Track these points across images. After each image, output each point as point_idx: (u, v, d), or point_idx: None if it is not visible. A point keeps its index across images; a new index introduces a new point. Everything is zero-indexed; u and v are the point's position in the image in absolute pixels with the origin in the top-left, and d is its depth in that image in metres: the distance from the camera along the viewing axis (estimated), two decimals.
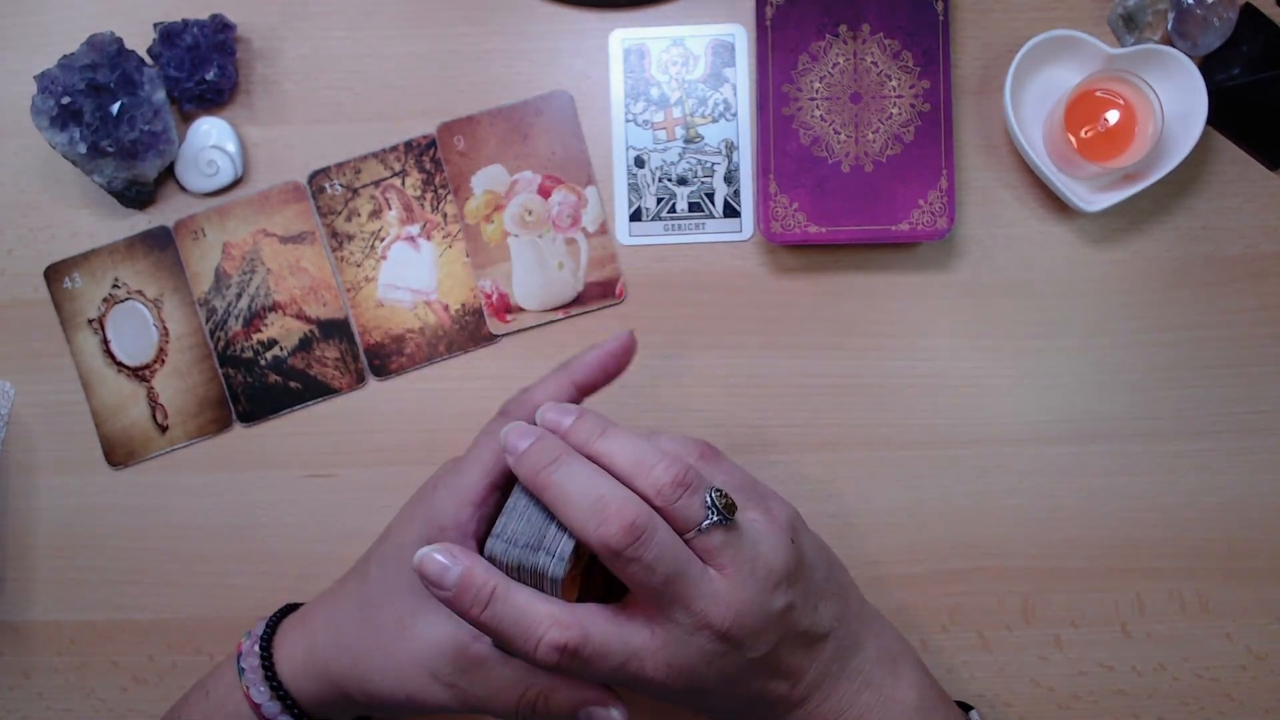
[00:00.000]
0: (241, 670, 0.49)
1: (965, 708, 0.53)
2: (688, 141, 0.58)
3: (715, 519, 0.42)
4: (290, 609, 0.53)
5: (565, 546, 0.42)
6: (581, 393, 0.49)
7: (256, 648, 0.50)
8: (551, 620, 0.41)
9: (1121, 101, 0.55)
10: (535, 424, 0.45)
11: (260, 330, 0.58)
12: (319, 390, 0.58)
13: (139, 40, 0.57)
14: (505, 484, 0.48)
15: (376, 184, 0.58)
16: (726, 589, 0.42)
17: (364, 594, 0.49)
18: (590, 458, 0.43)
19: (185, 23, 0.57)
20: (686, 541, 0.42)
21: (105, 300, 0.58)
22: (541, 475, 0.42)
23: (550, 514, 0.43)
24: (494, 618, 0.41)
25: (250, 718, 0.49)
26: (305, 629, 0.50)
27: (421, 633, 0.46)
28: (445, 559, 0.42)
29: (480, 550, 0.45)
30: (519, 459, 0.43)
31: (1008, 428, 0.58)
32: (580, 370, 0.49)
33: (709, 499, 0.43)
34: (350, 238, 0.58)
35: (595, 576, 0.46)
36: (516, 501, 0.44)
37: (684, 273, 0.58)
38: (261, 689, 0.48)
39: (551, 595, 0.43)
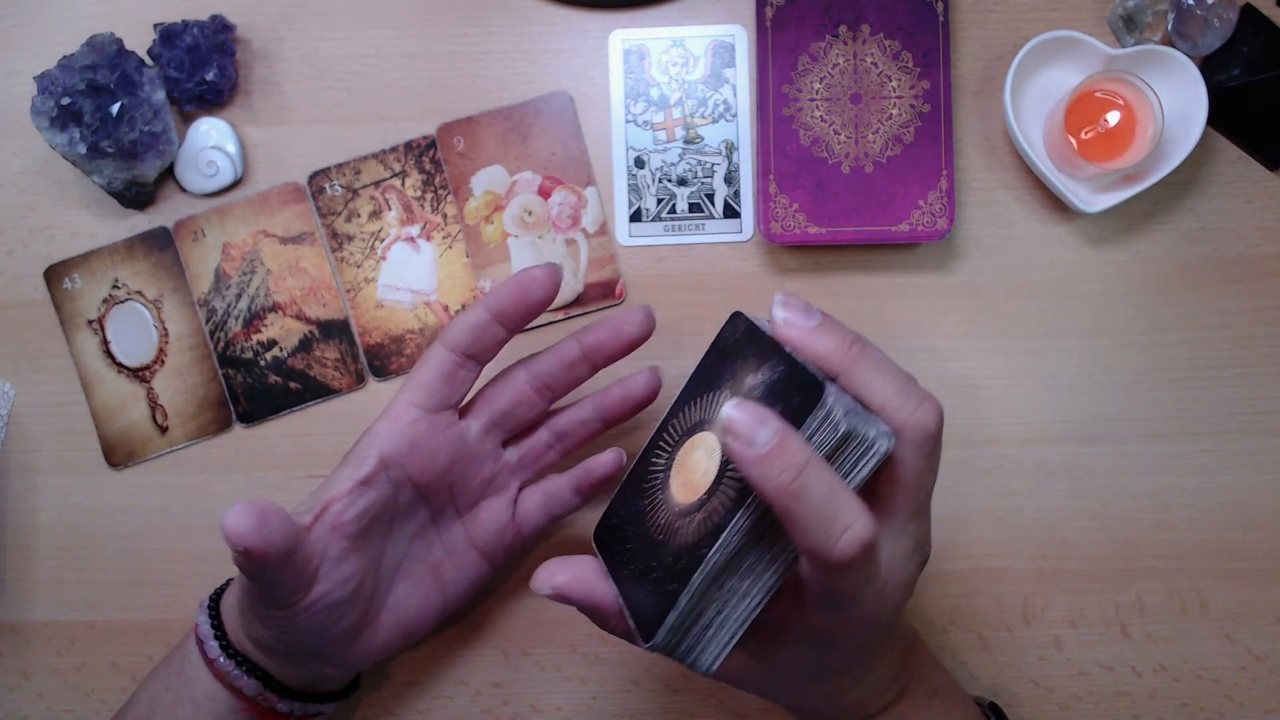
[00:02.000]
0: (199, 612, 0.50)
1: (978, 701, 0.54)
2: (688, 142, 0.58)
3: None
4: None
5: (887, 431, 0.38)
6: (593, 365, 0.50)
7: (228, 580, 0.51)
8: (859, 511, 0.35)
9: (1121, 102, 0.55)
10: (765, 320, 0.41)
11: (260, 331, 0.58)
12: (319, 391, 0.58)
13: (139, 41, 0.57)
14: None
15: (376, 185, 0.58)
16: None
17: None
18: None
19: (185, 23, 0.57)
20: None
21: (105, 301, 0.58)
22: (855, 348, 0.39)
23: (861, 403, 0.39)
24: (805, 488, 0.35)
25: (195, 648, 0.50)
26: None
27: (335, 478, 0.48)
28: (756, 414, 0.35)
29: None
30: (819, 329, 0.39)
31: (1008, 428, 0.58)
32: (591, 339, 0.49)
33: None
34: (350, 238, 0.58)
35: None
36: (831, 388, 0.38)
37: (684, 273, 0.58)
38: (204, 608, 0.50)
39: (855, 484, 0.38)
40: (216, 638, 0.49)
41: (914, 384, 0.39)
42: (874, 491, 0.40)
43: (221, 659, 0.48)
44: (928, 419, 0.38)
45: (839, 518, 0.35)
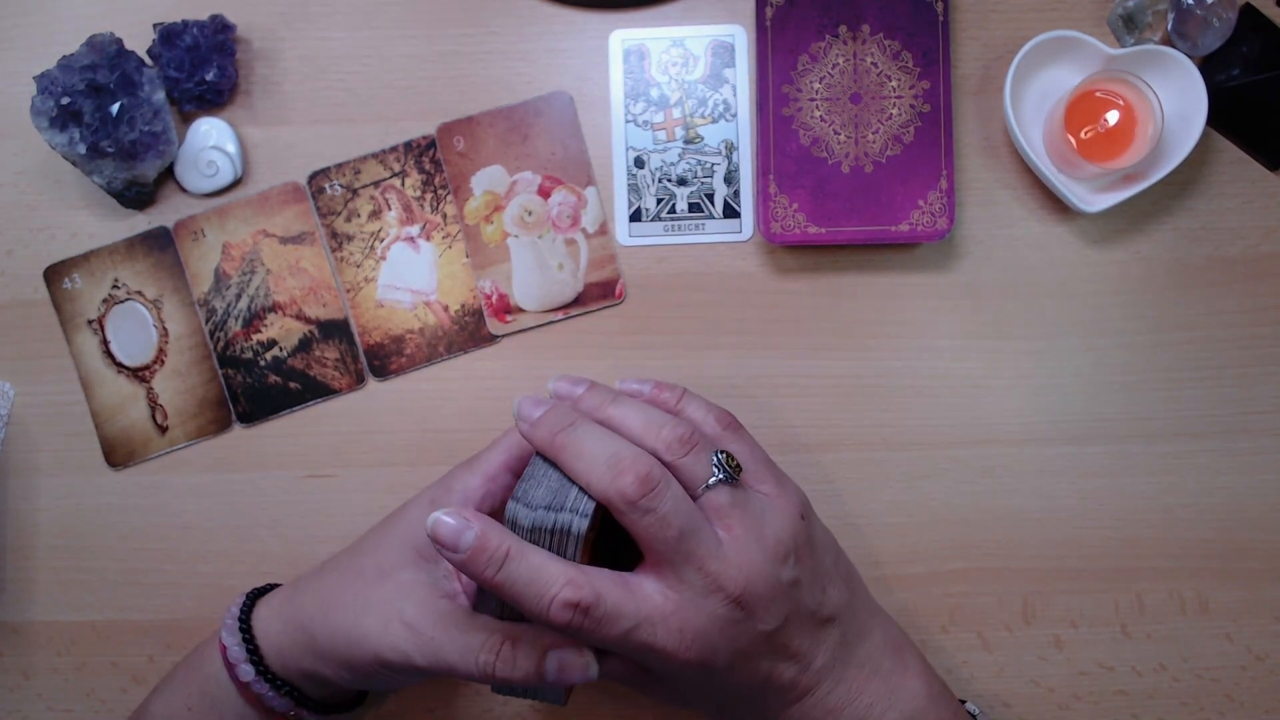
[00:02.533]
0: (225, 623, 0.50)
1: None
2: (687, 142, 0.58)
3: (721, 476, 0.44)
4: None
5: (588, 504, 0.43)
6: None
7: (243, 598, 0.51)
8: (565, 579, 0.41)
9: (1121, 102, 0.55)
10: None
11: (260, 331, 0.58)
12: (319, 391, 0.58)
13: (139, 41, 0.57)
14: (519, 469, 0.49)
15: (376, 184, 0.58)
16: (736, 551, 0.43)
17: (357, 547, 0.50)
18: (601, 422, 0.45)
19: (185, 23, 0.57)
20: (694, 499, 0.43)
21: (105, 301, 0.58)
22: (558, 437, 0.44)
23: (568, 479, 0.44)
24: (508, 578, 0.41)
25: (220, 664, 0.49)
26: (294, 581, 0.51)
27: (399, 578, 0.47)
28: (458, 521, 0.42)
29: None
30: (534, 424, 0.45)
31: (1008, 428, 0.58)
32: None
33: (716, 459, 0.44)
34: (350, 238, 0.58)
35: (604, 552, 0.46)
36: (534, 469, 0.45)
37: (684, 273, 0.58)
38: (233, 631, 0.49)
39: (571, 557, 0.43)
40: (251, 661, 0.49)
41: (619, 456, 0.42)
42: (638, 552, 0.44)
43: (257, 682, 0.48)
44: (623, 487, 0.42)
45: (544, 591, 0.41)
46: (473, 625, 0.45)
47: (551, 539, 0.43)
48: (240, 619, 0.50)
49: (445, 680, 0.57)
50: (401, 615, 0.46)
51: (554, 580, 0.41)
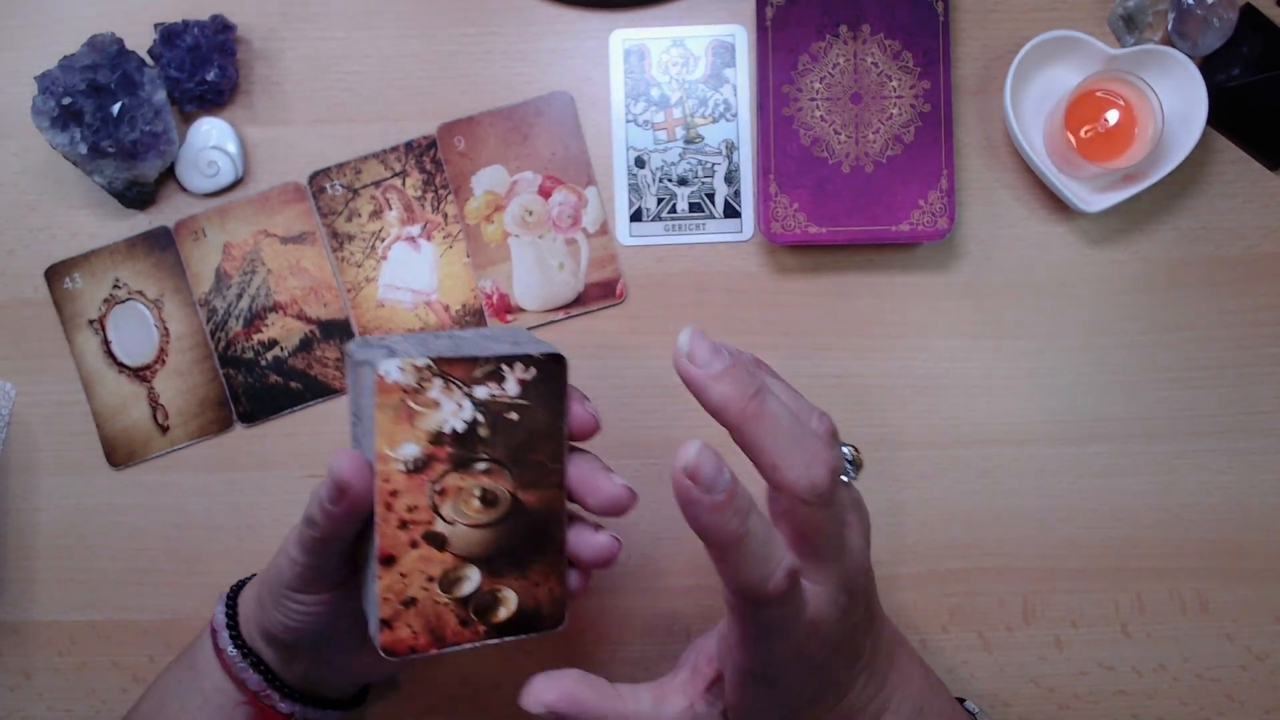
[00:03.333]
0: (214, 633, 0.50)
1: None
2: (688, 142, 0.58)
3: (854, 474, 0.43)
4: None
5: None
6: None
7: (223, 607, 0.51)
8: (785, 547, 0.38)
9: (1121, 102, 0.55)
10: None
11: (261, 330, 0.58)
12: (319, 390, 0.58)
13: (139, 41, 0.57)
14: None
15: (377, 184, 0.58)
16: (857, 547, 0.42)
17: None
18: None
19: (186, 23, 0.57)
20: None
21: (106, 301, 0.58)
22: (751, 404, 0.38)
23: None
24: (750, 532, 0.37)
25: (223, 675, 0.49)
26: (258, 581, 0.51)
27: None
28: (717, 459, 0.36)
29: None
30: (719, 377, 0.38)
31: (1008, 428, 0.58)
32: None
33: (848, 453, 0.43)
34: (351, 238, 0.58)
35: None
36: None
37: (684, 273, 0.58)
38: (219, 610, 0.50)
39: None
40: (229, 628, 0.49)
41: (808, 438, 0.38)
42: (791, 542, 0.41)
43: (230, 649, 0.48)
44: (817, 478, 0.38)
45: (774, 554, 0.37)
46: None
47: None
48: (232, 590, 0.50)
49: (455, 674, 0.57)
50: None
51: (781, 541, 0.38)
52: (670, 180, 0.58)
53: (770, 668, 0.41)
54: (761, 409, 0.38)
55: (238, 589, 0.51)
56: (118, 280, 0.58)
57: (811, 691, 0.43)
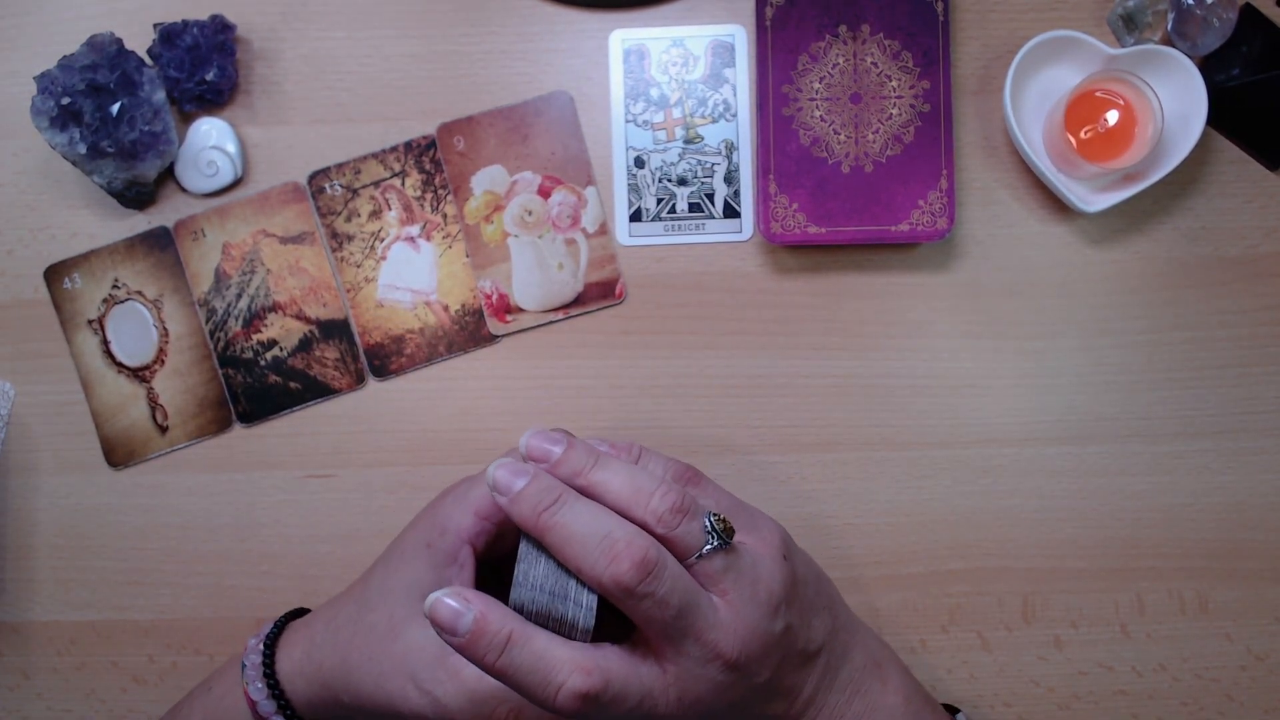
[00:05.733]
0: (244, 667, 0.49)
1: (952, 710, 0.53)
2: (688, 142, 0.58)
3: (715, 544, 0.41)
4: (301, 612, 0.53)
5: (591, 598, 0.41)
6: None
7: (260, 645, 0.50)
8: (573, 665, 0.39)
9: (1121, 102, 0.55)
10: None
11: (260, 331, 0.58)
12: (319, 390, 0.58)
13: (139, 41, 0.57)
14: None
15: (376, 184, 0.58)
16: (731, 616, 0.41)
17: (363, 596, 0.49)
18: (584, 489, 0.42)
19: (185, 23, 0.57)
20: (687, 569, 0.41)
21: (105, 301, 0.58)
22: (543, 517, 0.41)
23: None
24: (510, 664, 0.39)
25: (247, 715, 0.49)
26: (307, 629, 0.50)
27: (409, 637, 0.46)
28: (458, 604, 0.40)
29: (478, 570, 0.46)
30: (514, 500, 0.41)
31: (1008, 428, 0.58)
32: None
33: (708, 524, 0.42)
34: (350, 238, 0.58)
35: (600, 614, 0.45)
36: (531, 549, 0.42)
37: (684, 273, 0.58)
38: (259, 685, 0.49)
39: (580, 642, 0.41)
40: (282, 713, 0.48)
41: (610, 539, 0.40)
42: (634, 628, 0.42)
43: (263, 701, 0.48)
44: (619, 574, 0.39)
45: (551, 679, 0.39)
46: (482, 692, 0.44)
47: (559, 627, 0.41)
48: (265, 671, 0.49)
49: None
50: (415, 679, 0.45)
51: (561, 666, 0.39)
52: (670, 180, 0.58)
53: None
54: (552, 521, 0.40)
55: (269, 663, 0.50)
56: (117, 280, 0.58)
57: None
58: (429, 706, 0.45)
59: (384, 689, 0.46)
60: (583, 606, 0.41)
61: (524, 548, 0.42)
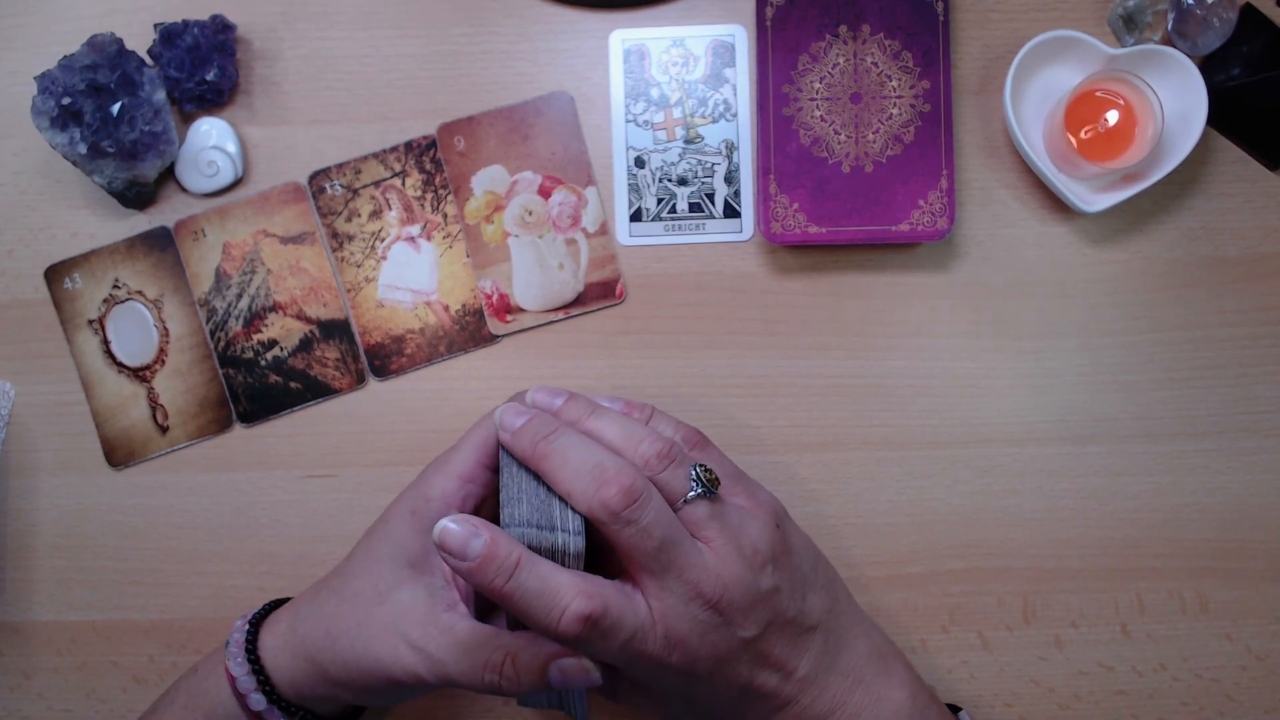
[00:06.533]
0: (227, 644, 0.50)
1: (954, 709, 0.53)
2: (688, 142, 0.58)
3: (700, 490, 0.44)
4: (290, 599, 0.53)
5: (578, 521, 0.43)
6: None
7: (245, 624, 0.50)
8: (575, 590, 0.41)
9: (1121, 102, 0.55)
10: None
11: (260, 331, 0.58)
12: (319, 390, 0.58)
13: (139, 41, 0.57)
14: (494, 466, 0.48)
15: (377, 184, 0.58)
16: (715, 561, 0.43)
17: (346, 568, 0.50)
18: (581, 433, 0.45)
19: (185, 23, 0.57)
20: (674, 512, 0.43)
21: (105, 301, 0.58)
22: (540, 445, 0.44)
23: (551, 492, 0.44)
24: (518, 588, 0.41)
25: (228, 693, 0.49)
26: (292, 607, 0.51)
27: (397, 599, 0.46)
28: (465, 529, 0.41)
29: None
30: (516, 433, 0.45)
31: (1008, 428, 0.58)
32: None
33: (693, 473, 0.44)
34: (350, 238, 0.58)
35: (588, 563, 0.46)
36: (511, 485, 0.44)
37: (684, 273, 0.58)
38: (240, 661, 0.49)
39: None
40: (262, 690, 0.48)
41: (601, 467, 0.42)
42: (617, 563, 0.44)
43: (269, 711, 0.48)
44: (607, 498, 0.42)
45: (555, 603, 0.41)
46: (476, 642, 0.45)
47: (550, 557, 0.43)
48: (247, 648, 0.49)
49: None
50: (406, 638, 0.45)
51: (565, 590, 0.41)
52: (670, 180, 0.58)
53: (654, 684, 0.45)
54: (549, 448, 0.44)
55: (251, 642, 0.50)
56: (117, 280, 0.58)
57: (726, 701, 0.45)
58: (422, 663, 0.45)
59: (372, 652, 0.46)
60: (570, 532, 0.43)
61: (505, 489, 0.44)
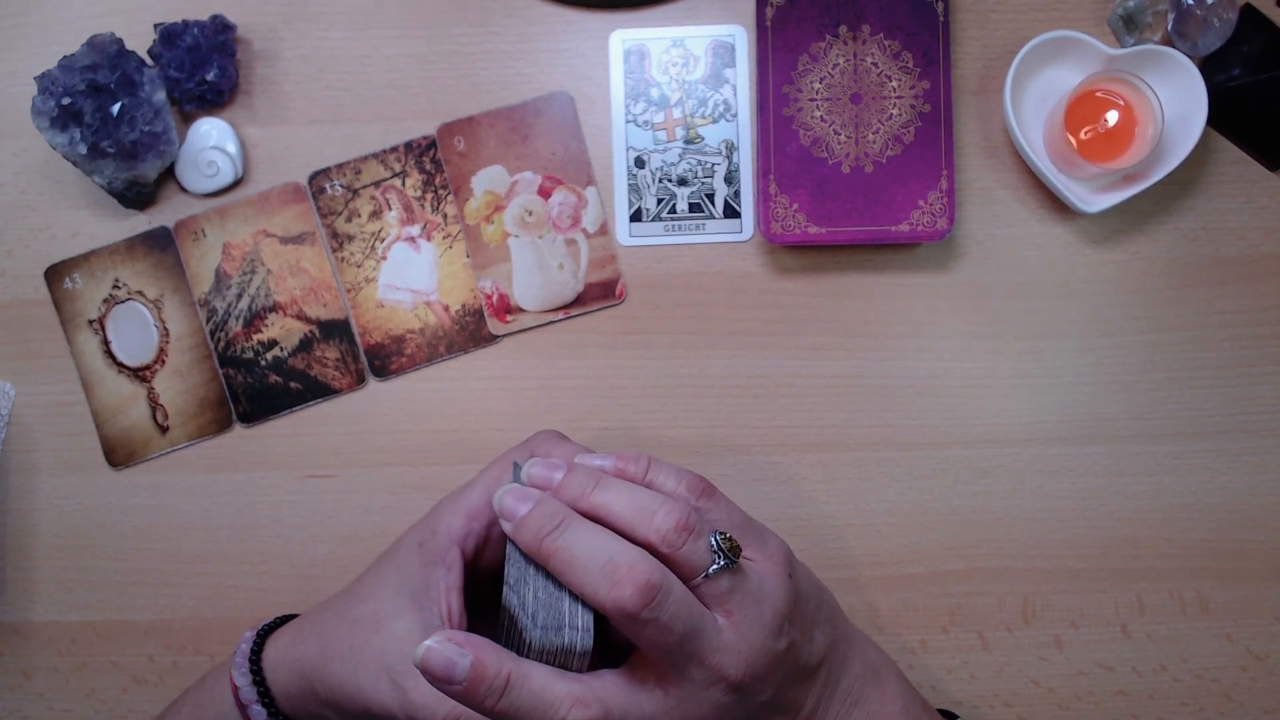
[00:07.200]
0: (235, 654, 0.50)
1: (949, 716, 0.53)
2: (688, 142, 0.58)
3: (722, 564, 0.41)
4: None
5: (588, 618, 0.41)
6: None
7: (253, 635, 0.50)
8: (572, 700, 0.39)
9: (1121, 102, 0.55)
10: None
11: (260, 331, 0.58)
12: (319, 391, 0.58)
13: (139, 41, 0.57)
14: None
15: (377, 185, 0.58)
16: (736, 638, 0.41)
17: (353, 591, 0.49)
18: (587, 512, 0.42)
19: (185, 23, 0.57)
20: (693, 589, 0.41)
21: (105, 301, 0.58)
22: (545, 543, 0.41)
23: (560, 586, 0.41)
24: (510, 707, 0.39)
25: (232, 702, 0.49)
26: (298, 623, 0.51)
27: (391, 629, 0.46)
28: (452, 651, 0.39)
29: (467, 568, 0.46)
30: (518, 526, 0.41)
31: (1008, 428, 0.58)
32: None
33: (714, 543, 0.41)
34: (350, 238, 0.58)
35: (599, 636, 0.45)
36: (514, 570, 0.42)
37: (684, 273, 0.58)
38: (243, 671, 0.49)
39: (579, 669, 0.41)
40: (262, 703, 0.48)
41: (613, 563, 0.40)
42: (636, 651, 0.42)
43: (246, 688, 0.48)
44: (622, 599, 0.39)
45: (551, 716, 0.39)
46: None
47: (555, 658, 0.41)
48: (251, 658, 0.49)
49: None
50: (390, 670, 0.45)
51: (560, 702, 0.39)
52: (670, 180, 0.58)
53: None
54: (555, 546, 0.40)
55: (256, 654, 0.50)
56: (117, 280, 0.58)
57: None
58: (396, 700, 0.44)
59: (356, 679, 0.45)
60: (579, 630, 0.41)
61: (516, 571, 0.42)
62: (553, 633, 0.41)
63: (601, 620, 0.41)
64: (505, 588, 0.42)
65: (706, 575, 0.41)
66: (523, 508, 0.42)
